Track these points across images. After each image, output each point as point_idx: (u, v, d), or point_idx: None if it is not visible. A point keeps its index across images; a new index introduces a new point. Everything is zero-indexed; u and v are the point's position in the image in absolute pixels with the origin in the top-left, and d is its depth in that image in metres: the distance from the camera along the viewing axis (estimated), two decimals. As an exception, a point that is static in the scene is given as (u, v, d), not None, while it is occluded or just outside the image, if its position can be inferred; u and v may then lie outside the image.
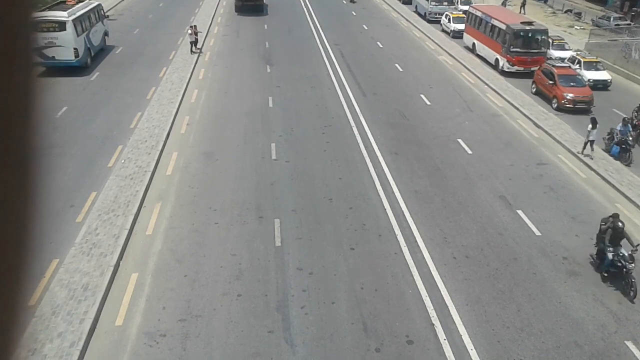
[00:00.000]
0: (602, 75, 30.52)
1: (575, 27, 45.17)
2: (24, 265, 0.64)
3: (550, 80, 27.25)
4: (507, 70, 31.27)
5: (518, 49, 30.92)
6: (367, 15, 47.85)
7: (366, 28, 42.74)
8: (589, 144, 21.48)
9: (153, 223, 16.16)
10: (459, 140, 22.69)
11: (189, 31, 33.54)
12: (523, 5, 53.51)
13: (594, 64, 31.12)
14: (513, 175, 19.95)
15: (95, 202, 16.87)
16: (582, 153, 21.63)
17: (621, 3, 51.74)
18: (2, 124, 0.61)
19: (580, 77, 27.65)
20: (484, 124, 24.83)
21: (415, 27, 43.65)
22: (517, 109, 26.56)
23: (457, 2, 46.61)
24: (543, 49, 31.52)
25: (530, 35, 31.32)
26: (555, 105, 26.63)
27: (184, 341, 11.95)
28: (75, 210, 16.30)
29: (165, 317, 12.60)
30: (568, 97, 26.13)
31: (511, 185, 19.20)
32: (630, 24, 41.73)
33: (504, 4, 47.64)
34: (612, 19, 44.35)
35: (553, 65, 27.98)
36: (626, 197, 18.75)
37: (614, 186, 19.40)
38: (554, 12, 50.83)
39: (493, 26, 33.00)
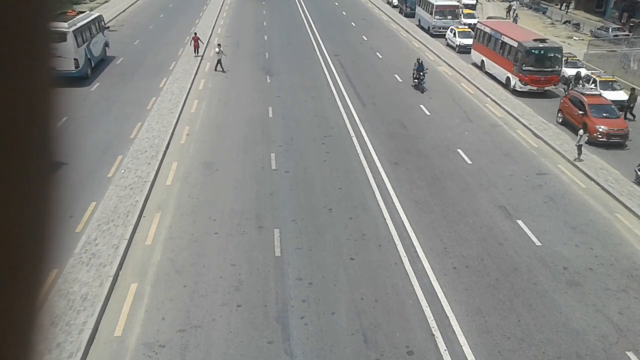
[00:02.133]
0: (620, 95, 28.18)
1: (574, 37, 45.36)
2: (36, 272, 0.67)
3: (580, 110, 24.55)
4: (519, 89, 29.82)
5: (531, 68, 29.52)
6: (366, 26, 48.07)
7: (365, 39, 42.91)
8: (579, 148, 21.82)
9: (152, 233, 16.14)
10: (459, 150, 22.72)
11: (217, 49, 32.62)
12: (509, 10, 53.97)
13: (610, 83, 29.08)
14: (513, 185, 19.95)
15: (94, 212, 16.86)
16: (578, 159, 21.75)
17: (619, 14, 52.00)
18: (23, 130, 0.63)
19: (613, 107, 24.82)
20: (483, 134, 24.87)
21: (415, 38, 43.82)
22: (517, 119, 26.60)
23: (461, 16, 46.06)
24: (557, 68, 30.06)
25: (543, 53, 29.92)
26: (587, 138, 23.09)
27: (183, 352, 11.90)
28: (75, 220, 16.27)
29: (165, 327, 12.55)
30: (601, 130, 23.39)
31: (511, 195, 19.20)
32: (628, 35, 41.93)
33: (515, 20, 45.77)
34: (610, 29, 44.55)
35: (582, 93, 25.41)
36: (626, 207, 18.74)
37: (614, 196, 19.40)
38: (552, 23, 51.07)
39: (503, 43, 31.51)
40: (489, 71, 33.46)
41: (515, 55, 30.11)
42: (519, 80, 29.78)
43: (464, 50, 38.24)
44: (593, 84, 28.48)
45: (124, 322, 12.64)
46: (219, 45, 33.26)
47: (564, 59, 31.17)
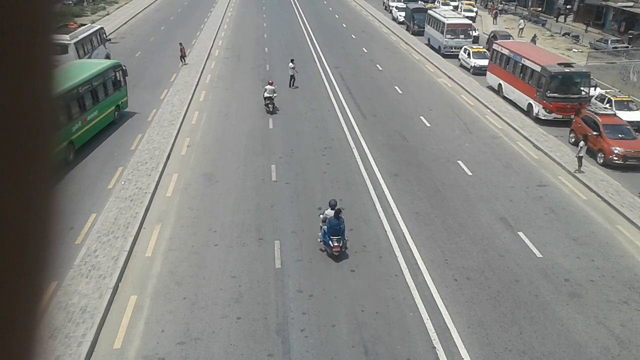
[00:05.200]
0: (637, 116, 26.81)
1: (574, 50, 45.53)
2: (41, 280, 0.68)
3: (594, 130, 23.45)
4: (543, 118, 27.47)
5: (556, 94, 27.19)
6: (366, 38, 48.29)
7: (366, 51, 43.09)
8: (580, 159, 21.84)
9: (152, 245, 16.10)
10: (459, 161, 22.72)
11: (291, 64, 32.08)
12: (495, 17, 54.27)
13: (626, 102, 27.67)
14: (513, 196, 19.93)
15: (94, 223, 16.84)
16: (578, 170, 21.76)
17: (618, 25, 52.26)
18: (26, 141, 0.64)
19: (629, 128, 23.76)
20: (483, 145, 24.89)
21: (415, 50, 43.99)
22: (517, 130, 26.64)
23: (474, 33, 43.85)
24: (585, 94, 27.75)
25: (569, 78, 27.86)
26: (602, 160, 22.99)
27: (183, 365, 11.82)
28: (75, 232, 16.25)
29: (164, 340, 12.48)
30: (617, 152, 22.46)
31: (512, 206, 19.18)
32: (628, 47, 42.08)
33: (533, 40, 43.80)
34: (609, 41, 44.73)
35: (596, 113, 24.34)
36: (627, 218, 18.71)
37: (614, 208, 19.37)
38: (551, 35, 51.29)
39: (524, 67, 29.29)
40: (507, 96, 31.11)
41: (539, 80, 27.84)
42: (543, 107, 27.49)
43: (479, 71, 35.85)
44: (608, 104, 27.21)
45: (124, 335, 12.57)
46: (292, 60, 32.84)
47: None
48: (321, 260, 15.62)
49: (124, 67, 26.25)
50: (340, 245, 15.36)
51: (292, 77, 32.08)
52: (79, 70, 23.43)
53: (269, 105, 27.78)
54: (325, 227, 15.41)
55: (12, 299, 0.65)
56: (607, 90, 30.01)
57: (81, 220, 16.97)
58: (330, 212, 15.38)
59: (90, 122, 22.63)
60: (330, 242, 15.32)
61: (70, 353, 11.61)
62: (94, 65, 25.03)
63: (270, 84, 27.58)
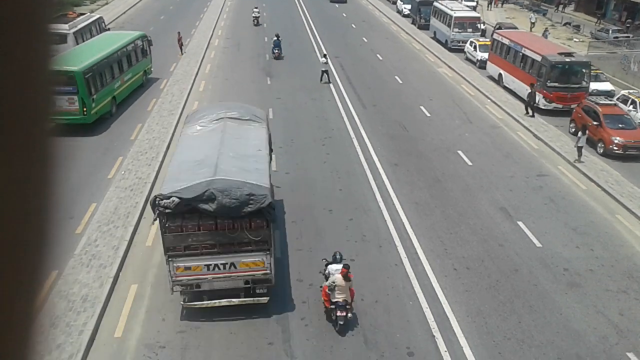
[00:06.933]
0: None
1: (574, 39, 45.36)
2: (39, 271, 0.68)
3: (594, 120, 23.40)
4: (543, 107, 27.29)
5: (556, 84, 27.14)
6: (367, 28, 48.08)
7: (366, 40, 42.91)
8: (580, 149, 21.85)
9: (153, 234, 16.09)
10: (459, 151, 22.71)
11: (323, 59, 31.88)
12: (490, 3, 53.68)
13: None
14: (513, 186, 19.95)
15: (95, 213, 16.87)
16: (578, 160, 21.76)
17: (619, 15, 52.03)
18: (23, 131, 0.65)
19: (629, 118, 23.71)
20: (483, 135, 24.87)
21: (415, 39, 43.81)
22: (517, 120, 26.60)
23: (482, 27, 42.35)
24: (584, 84, 27.62)
25: (570, 68, 27.59)
26: (602, 150, 22.90)
27: (184, 353, 11.90)
28: (75, 222, 16.28)
29: (165, 328, 12.55)
30: (617, 142, 22.39)
31: (511, 196, 19.20)
32: (629, 37, 41.90)
33: (545, 35, 42.56)
34: (610, 31, 44.53)
35: (596, 103, 24.13)
36: (627, 208, 18.73)
37: (614, 197, 19.39)
38: (552, 25, 51.05)
39: (525, 56, 29.10)
40: (507, 86, 30.92)
41: (539, 70, 27.67)
42: (543, 97, 27.28)
43: (484, 65, 34.54)
44: (632, 106, 26.18)
45: (124, 323, 12.64)
46: (324, 55, 32.57)
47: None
48: (321, 249, 15.65)
49: (149, 38, 29.81)
50: (279, 52, 35.80)
51: (325, 72, 31.49)
52: (115, 38, 27.58)
53: (254, 20, 45.90)
54: (273, 45, 35.66)
55: (12, 288, 0.66)
56: (630, 91, 28.67)
57: (81, 209, 16.99)
58: (276, 39, 35.75)
59: (127, 82, 26.62)
60: (275, 51, 35.51)
61: (71, 342, 11.68)
62: (126, 35, 28.90)
63: (256, 8, 47.00)
